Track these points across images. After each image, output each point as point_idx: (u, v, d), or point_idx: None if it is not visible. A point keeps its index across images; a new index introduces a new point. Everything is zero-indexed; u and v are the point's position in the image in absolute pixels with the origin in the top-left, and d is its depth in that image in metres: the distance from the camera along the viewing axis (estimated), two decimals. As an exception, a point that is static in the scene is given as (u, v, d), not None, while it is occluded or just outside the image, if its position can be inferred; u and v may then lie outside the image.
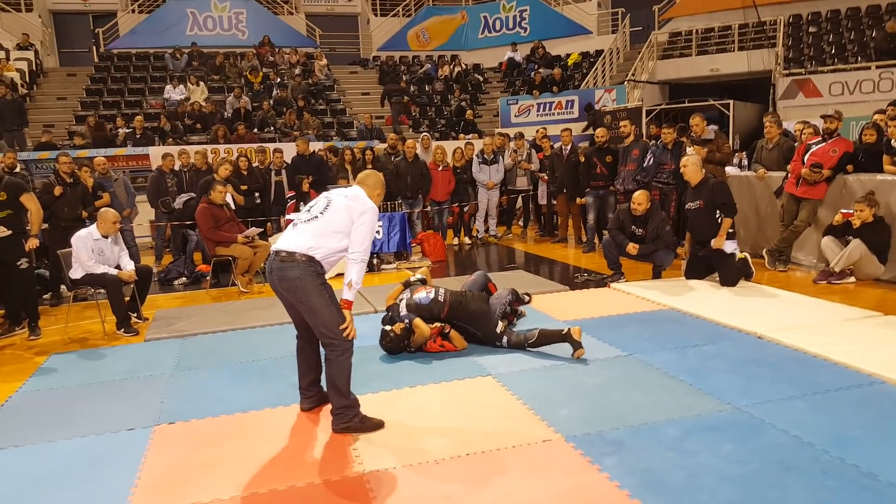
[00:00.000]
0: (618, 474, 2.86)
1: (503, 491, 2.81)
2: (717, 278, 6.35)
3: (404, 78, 17.61)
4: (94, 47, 17.17)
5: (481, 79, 18.09)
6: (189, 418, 3.76)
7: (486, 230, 10.17)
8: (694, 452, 3.02)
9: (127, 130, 12.81)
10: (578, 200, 8.98)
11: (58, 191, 7.12)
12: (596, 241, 8.72)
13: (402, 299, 4.91)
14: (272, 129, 14.26)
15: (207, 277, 7.88)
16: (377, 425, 3.47)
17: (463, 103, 16.10)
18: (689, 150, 7.75)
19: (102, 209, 6.14)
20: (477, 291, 5.11)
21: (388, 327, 4.84)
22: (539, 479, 2.87)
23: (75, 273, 5.86)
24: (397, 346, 4.75)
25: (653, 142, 8.69)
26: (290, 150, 10.09)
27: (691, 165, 6.37)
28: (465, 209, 10.05)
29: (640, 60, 15.16)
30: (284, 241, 3.44)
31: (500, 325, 4.71)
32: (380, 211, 8.08)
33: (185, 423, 3.70)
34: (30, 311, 5.90)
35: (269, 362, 4.71)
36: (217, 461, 3.23)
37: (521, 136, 10.26)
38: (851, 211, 6.29)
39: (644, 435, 3.23)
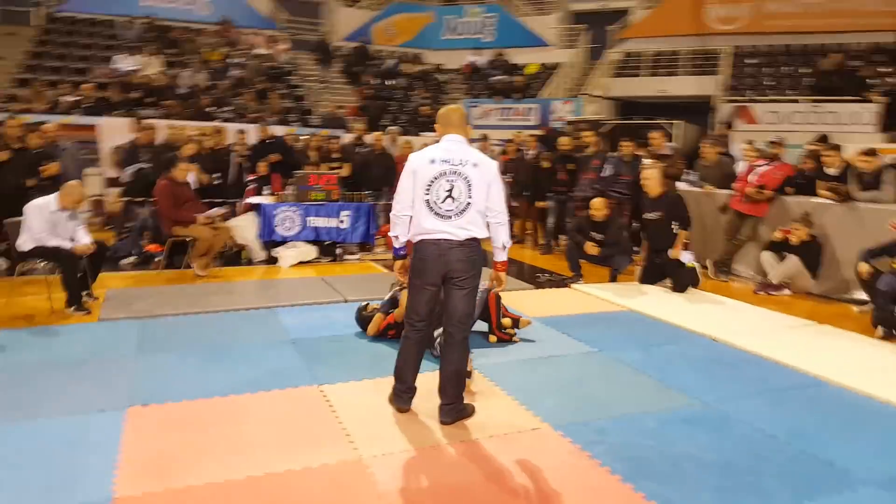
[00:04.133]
0: (608, 460, 3.10)
1: (503, 476, 2.99)
2: (668, 284, 6.78)
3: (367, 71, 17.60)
4: (41, 7, 16.32)
5: (441, 79, 18.28)
6: (163, 401, 3.69)
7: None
8: (673, 441, 3.31)
9: (73, 99, 12.30)
10: (538, 204, 9.31)
11: (3, 156, 6.82)
12: (553, 243, 9.07)
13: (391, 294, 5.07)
14: (229, 109, 14.00)
15: (158, 258, 7.76)
16: (473, 410, 3.60)
17: (424, 101, 16.25)
18: (646, 161, 8.19)
19: (70, 182, 5.94)
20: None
21: (365, 303, 5.18)
22: (535, 465, 3.06)
23: (24, 245, 5.56)
24: (362, 321, 5.03)
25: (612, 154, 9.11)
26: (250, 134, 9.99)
27: (653, 178, 6.77)
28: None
29: (594, 76, 15.72)
30: (449, 228, 3.36)
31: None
32: (346, 201, 8.33)
33: (159, 405, 3.64)
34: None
35: (241, 347, 4.71)
36: (203, 444, 3.21)
37: (485, 138, 10.51)
38: (790, 229, 6.82)
39: (625, 425, 3.50)
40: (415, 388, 3.63)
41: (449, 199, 3.36)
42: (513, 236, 10.05)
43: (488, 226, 3.46)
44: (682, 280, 6.65)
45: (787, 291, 6.84)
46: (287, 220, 8.21)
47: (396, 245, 3.54)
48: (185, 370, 4.24)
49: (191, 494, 2.77)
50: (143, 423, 3.45)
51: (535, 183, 9.31)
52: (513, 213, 10.51)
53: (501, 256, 3.54)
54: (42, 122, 8.89)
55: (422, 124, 15.07)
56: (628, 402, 3.80)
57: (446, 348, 3.52)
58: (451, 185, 3.36)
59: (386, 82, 17.23)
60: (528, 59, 18.12)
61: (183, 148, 7.73)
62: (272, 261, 8.06)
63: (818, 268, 6.81)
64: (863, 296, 6.41)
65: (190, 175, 7.66)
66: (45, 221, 5.54)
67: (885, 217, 6.29)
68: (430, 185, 3.37)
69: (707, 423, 3.54)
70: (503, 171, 10.16)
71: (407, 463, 3.07)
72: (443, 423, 3.49)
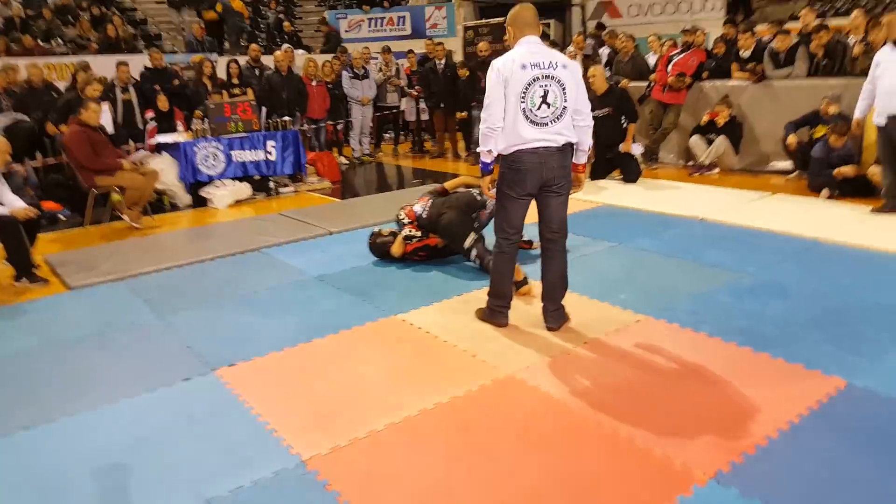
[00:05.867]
0: (721, 334, 3.38)
1: (653, 365, 3.17)
2: (616, 176, 7.20)
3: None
4: None
5: (291, -10, 17.01)
6: (249, 357, 3.43)
7: (362, 149, 10.03)
8: (757, 310, 3.64)
9: None
10: (458, 115, 9.24)
11: None
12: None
13: (406, 207, 4.91)
14: (60, 41, 12.13)
15: (62, 216, 6.87)
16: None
17: (280, 15, 15.10)
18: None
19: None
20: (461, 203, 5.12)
21: (377, 229, 5.02)
22: (670, 351, 3.25)
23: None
24: (378, 248, 4.90)
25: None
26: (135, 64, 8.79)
27: (599, 75, 6.99)
28: (339, 127, 9.77)
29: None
30: (547, 135, 3.29)
31: (470, 239, 4.50)
32: (270, 129, 7.75)
33: (247, 362, 3.38)
34: None
35: (269, 293, 4.42)
36: (333, 391, 3.04)
37: (387, 49, 10.11)
38: (715, 111, 7.43)
39: (705, 302, 3.79)
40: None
41: (544, 105, 3.28)
42: (426, 151, 10.21)
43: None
44: (633, 171, 7.07)
45: (717, 170, 7.52)
46: (209, 157, 7.52)
47: (487, 160, 3.42)
48: (233, 324, 3.90)
49: (376, 442, 2.65)
50: (250, 382, 3.18)
51: (452, 93, 9.21)
52: (425, 126, 10.50)
53: (583, 159, 3.56)
54: None
55: (287, 41, 14.09)
56: (688, 283, 4.10)
57: (550, 254, 3.54)
58: (546, 90, 3.27)
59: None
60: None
61: (87, 89, 6.68)
62: (200, 203, 7.40)
63: (738, 145, 7.54)
64: (782, 165, 7.26)
65: (104, 115, 6.69)
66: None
67: (797, 91, 7.05)
68: (524, 93, 3.27)
69: (768, 290, 3.92)
70: (409, 84, 10.05)
71: (556, 371, 3.13)
72: (551, 328, 3.56)
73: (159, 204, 7.25)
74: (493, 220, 4.49)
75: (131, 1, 14.68)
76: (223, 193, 7.37)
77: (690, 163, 7.96)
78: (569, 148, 3.42)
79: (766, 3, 13.53)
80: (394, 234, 4.88)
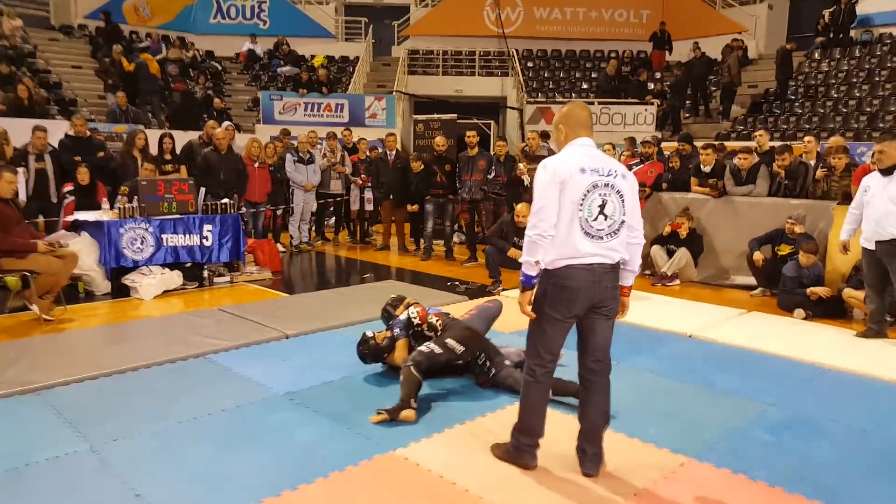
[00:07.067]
0: (775, 481, 2.96)
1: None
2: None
3: (115, 47, 14.99)
4: None
5: (220, 67, 16.50)
6: None
7: (301, 236, 9.37)
8: (804, 450, 3.27)
9: None
10: (409, 208, 8.85)
11: None
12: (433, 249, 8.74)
13: (404, 315, 4.33)
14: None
15: None
16: None
17: (209, 91, 14.48)
18: (520, 165, 8.28)
19: None
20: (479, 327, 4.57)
21: (370, 332, 4.33)
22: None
23: None
24: (375, 355, 4.26)
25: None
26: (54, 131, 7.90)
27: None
28: (279, 212, 9.13)
29: (395, 73, 15.55)
30: (603, 250, 2.89)
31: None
32: (208, 212, 7.01)
33: None
34: None
35: (228, 416, 3.68)
36: None
37: (333, 135, 9.69)
38: (677, 223, 7.41)
39: (745, 440, 3.38)
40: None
41: (601, 217, 2.88)
42: (367, 242, 9.71)
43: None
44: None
45: (677, 281, 7.42)
46: (137, 240, 6.67)
47: (533, 272, 2.90)
48: (190, 461, 3.10)
49: None
50: None
51: (404, 185, 8.84)
52: (371, 217, 10.02)
53: (630, 280, 3.15)
54: None
55: (216, 118, 13.45)
56: (715, 416, 3.70)
57: (593, 388, 3.05)
58: (604, 200, 2.88)
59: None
60: (313, 49, 17.31)
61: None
62: (120, 292, 6.47)
63: (698, 258, 7.51)
64: (742, 280, 7.25)
65: (20, 183, 5.78)
66: None
67: (758, 209, 7.15)
68: (582, 200, 2.86)
69: (803, 426, 3.57)
70: (354, 172, 9.62)
71: None
72: (588, 475, 3.02)
73: (73, 291, 6.26)
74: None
75: (44, 63, 13.66)
76: (150, 282, 6.48)
77: (648, 272, 7.85)
78: (619, 267, 3.02)
79: (692, 122, 14.33)
80: (390, 340, 4.26)
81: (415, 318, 4.30)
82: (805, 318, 5.84)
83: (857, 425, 3.61)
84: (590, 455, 3.04)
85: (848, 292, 5.69)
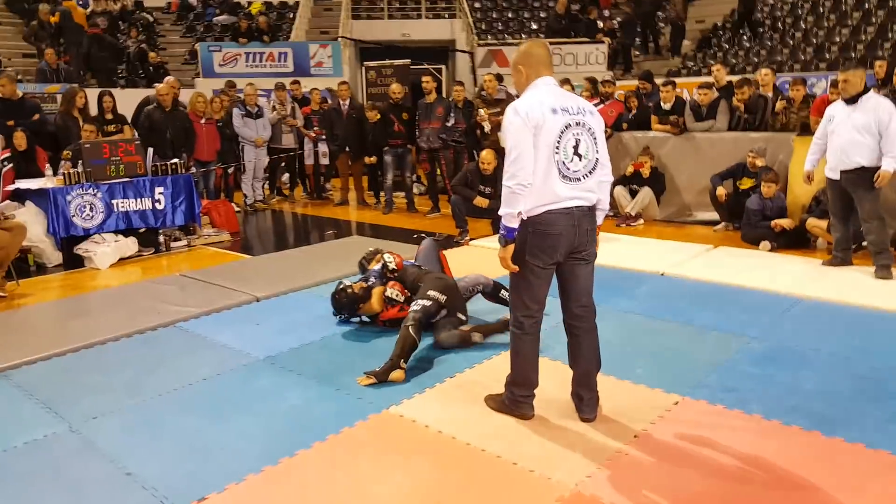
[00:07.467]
0: (769, 413, 3.01)
1: (718, 466, 2.71)
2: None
3: (41, 7, 13.99)
4: None
5: (152, 19, 15.56)
6: (217, 488, 2.64)
7: (255, 194, 9.05)
8: (791, 381, 3.32)
9: None
10: (367, 159, 8.61)
11: None
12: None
13: (379, 265, 4.24)
14: None
15: None
16: None
17: (143, 45, 13.66)
18: (481, 111, 8.09)
19: None
20: (432, 268, 4.55)
21: (347, 281, 4.26)
22: (728, 443, 2.82)
23: None
24: (351, 305, 4.19)
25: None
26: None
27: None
28: (230, 171, 8.77)
29: (343, 17, 14.93)
30: (580, 192, 2.82)
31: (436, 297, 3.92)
32: (158, 173, 6.67)
33: (220, 494, 2.57)
34: None
35: (210, 385, 3.56)
36: None
37: (282, 86, 9.27)
38: (640, 162, 7.41)
39: (733, 375, 3.42)
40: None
41: (576, 158, 2.80)
42: (325, 197, 9.45)
43: None
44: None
45: (641, 221, 7.47)
46: (86, 206, 6.32)
47: (514, 224, 2.79)
48: (178, 434, 2.98)
49: None
50: None
51: (360, 137, 8.58)
52: (327, 172, 9.74)
53: (601, 220, 3.06)
54: None
55: (152, 73, 12.74)
56: (701, 352, 3.74)
57: (580, 333, 3.01)
58: (577, 140, 2.79)
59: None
60: (247, -5, 16.47)
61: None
62: (74, 263, 6.16)
63: (660, 196, 7.56)
64: (705, 216, 7.34)
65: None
66: None
67: (719, 144, 7.20)
68: (558, 142, 2.76)
69: (787, 357, 3.63)
70: (307, 125, 9.28)
71: (622, 483, 2.55)
72: (587, 419, 3.02)
73: (22, 264, 5.91)
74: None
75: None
76: (105, 251, 6.17)
77: (611, 213, 7.88)
78: (594, 208, 2.96)
79: (643, 59, 14.29)
80: (366, 290, 4.16)
81: (390, 262, 4.23)
82: (770, 250, 5.95)
83: (840, 352, 3.69)
84: (586, 400, 3.03)
85: (812, 222, 5.81)
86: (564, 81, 8.19)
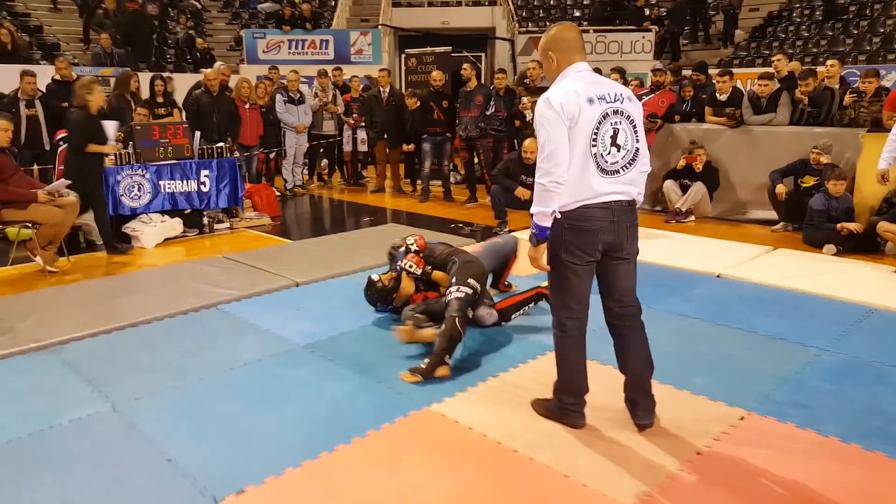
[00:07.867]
0: (847, 436, 2.77)
1: (798, 476, 2.51)
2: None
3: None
4: None
5: (200, 6, 15.67)
6: (255, 481, 2.54)
7: (295, 180, 9.01)
8: (868, 399, 3.08)
9: None
10: (405, 147, 8.50)
11: None
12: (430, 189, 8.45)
13: (403, 249, 4.19)
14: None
15: None
16: None
17: (191, 31, 13.77)
18: (524, 99, 7.87)
19: None
20: (493, 263, 4.40)
21: (375, 276, 4.18)
22: (801, 467, 2.59)
23: None
24: (383, 298, 4.12)
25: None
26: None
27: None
28: (272, 156, 8.75)
29: (384, 5, 14.79)
30: (620, 185, 2.64)
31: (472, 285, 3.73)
32: (204, 156, 6.65)
33: (259, 487, 2.46)
34: None
35: (249, 370, 3.47)
36: None
37: (324, 73, 9.20)
38: (694, 156, 7.10)
39: (804, 390, 3.18)
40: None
41: (614, 149, 2.60)
42: (360, 184, 9.34)
43: None
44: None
45: (692, 217, 7.17)
46: (134, 186, 6.33)
47: (547, 223, 2.61)
48: (217, 421, 2.92)
49: None
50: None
51: (399, 124, 8.45)
52: (364, 159, 9.65)
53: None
54: None
55: (199, 59, 12.81)
56: (766, 363, 3.49)
57: (627, 334, 2.83)
58: (615, 130, 2.60)
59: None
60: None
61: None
62: (120, 240, 6.18)
63: (713, 192, 7.25)
64: (761, 214, 7.01)
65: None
66: None
67: (779, 139, 6.85)
68: (595, 134, 2.56)
69: (861, 372, 3.37)
70: (346, 112, 9.18)
71: (680, 502, 2.39)
72: (643, 426, 2.83)
73: (73, 241, 5.98)
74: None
75: (24, 6, 12.89)
76: (152, 230, 6.19)
77: (658, 208, 7.62)
78: (635, 204, 2.76)
79: (691, 48, 13.82)
80: (395, 280, 4.06)
81: (412, 244, 4.13)
82: (836, 254, 5.61)
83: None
84: (641, 404, 2.84)
85: (883, 226, 5.43)
86: (615, 70, 7.93)
